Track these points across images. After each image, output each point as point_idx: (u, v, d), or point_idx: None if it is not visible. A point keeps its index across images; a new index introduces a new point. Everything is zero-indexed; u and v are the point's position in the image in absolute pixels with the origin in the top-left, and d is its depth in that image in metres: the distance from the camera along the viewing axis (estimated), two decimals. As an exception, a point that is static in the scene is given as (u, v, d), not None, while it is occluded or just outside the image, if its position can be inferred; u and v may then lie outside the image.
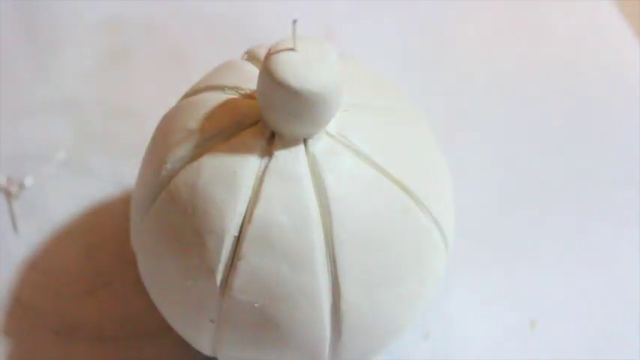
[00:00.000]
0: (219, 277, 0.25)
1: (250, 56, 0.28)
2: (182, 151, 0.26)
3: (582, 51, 0.41)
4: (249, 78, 0.27)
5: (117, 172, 0.36)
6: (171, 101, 0.29)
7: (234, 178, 0.25)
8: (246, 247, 0.25)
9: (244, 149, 0.25)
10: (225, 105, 0.26)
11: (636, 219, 0.36)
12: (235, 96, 0.27)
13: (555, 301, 0.33)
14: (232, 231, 0.25)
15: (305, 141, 0.25)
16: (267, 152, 0.25)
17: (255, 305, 0.25)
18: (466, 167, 0.37)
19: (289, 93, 0.24)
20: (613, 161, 0.38)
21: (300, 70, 0.24)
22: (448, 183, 0.28)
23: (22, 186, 0.35)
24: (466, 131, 0.38)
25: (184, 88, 0.29)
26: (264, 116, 0.25)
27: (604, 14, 0.43)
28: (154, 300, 0.28)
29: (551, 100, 0.40)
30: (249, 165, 0.25)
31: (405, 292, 0.27)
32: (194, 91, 0.28)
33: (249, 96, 0.26)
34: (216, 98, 0.27)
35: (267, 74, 0.24)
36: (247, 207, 0.25)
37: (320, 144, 0.25)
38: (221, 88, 0.27)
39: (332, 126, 0.26)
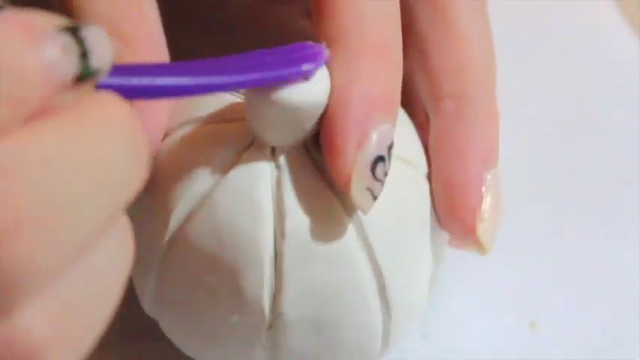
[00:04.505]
0: (267, 301, 0.25)
1: None
2: (187, 194, 0.25)
3: (582, 51, 0.41)
4: (220, 102, 0.27)
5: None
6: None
7: (251, 202, 0.25)
8: (287, 263, 0.25)
9: (251, 172, 0.25)
10: (214, 136, 0.26)
11: (636, 219, 0.36)
12: (218, 124, 0.26)
13: (555, 302, 0.33)
14: (268, 253, 0.25)
15: (305, 143, 0.25)
16: (274, 166, 0.25)
17: (308, 316, 0.25)
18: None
19: (289, 110, 0.24)
20: (613, 161, 0.37)
21: (292, 85, 0.24)
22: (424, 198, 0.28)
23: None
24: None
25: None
26: (260, 135, 0.25)
27: (604, 14, 0.43)
28: (191, 354, 0.28)
29: (550, 99, 0.40)
30: (261, 184, 0.25)
31: (428, 257, 0.27)
32: (171, 129, 0.27)
33: (233, 119, 0.26)
34: (200, 131, 0.26)
35: (262, 95, 0.24)
36: (274, 224, 0.25)
37: (320, 142, 0.25)
38: (198, 119, 0.27)
39: None
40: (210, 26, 0.36)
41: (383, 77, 0.24)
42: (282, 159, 0.25)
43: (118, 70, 0.20)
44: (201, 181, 0.25)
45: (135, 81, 0.20)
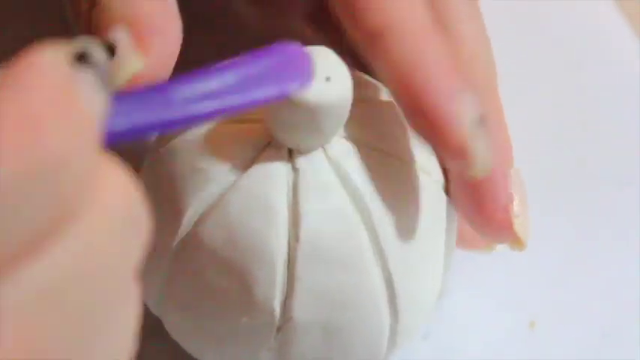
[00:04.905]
0: (277, 304, 0.25)
1: None
2: (201, 194, 0.25)
3: (582, 51, 0.41)
4: None
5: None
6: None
7: (266, 205, 0.24)
8: (300, 267, 0.24)
9: (267, 173, 0.25)
10: (230, 136, 0.26)
11: (636, 219, 0.36)
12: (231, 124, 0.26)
13: (555, 302, 0.33)
14: (282, 255, 0.24)
15: (323, 147, 0.25)
16: (291, 169, 0.25)
17: (318, 320, 0.25)
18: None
19: (306, 110, 0.23)
20: (613, 161, 0.37)
21: (314, 85, 0.23)
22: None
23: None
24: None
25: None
26: (278, 137, 0.25)
27: (604, 14, 0.43)
28: (195, 354, 0.28)
29: (550, 99, 0.40)
30: (277, 187, 0.25)
31: (434, 260, 0.27)
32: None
33: (250, 119, 0.26)
34: (215, 130, 0.26)
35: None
36: (289, 228, 0.25)
37: (337, 147, 0.25)
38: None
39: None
40: (211, 34, 0.36)
41: (443, 51, 0.25)
42: (298, 162, 0.25)
43: None
44: (215, 181, 0.25)
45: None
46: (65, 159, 0.15)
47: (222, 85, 0.20)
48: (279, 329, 0.25)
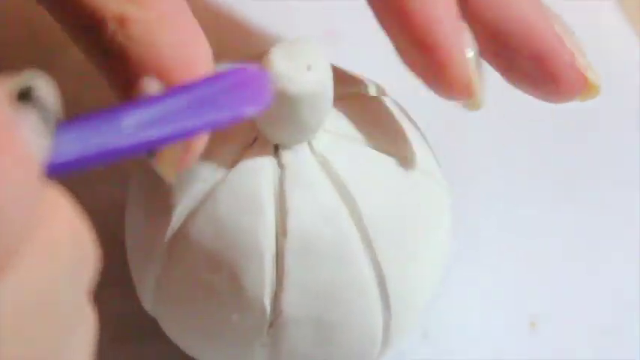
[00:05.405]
0: (267, 299, 0.25)
1: None
2: (190, 191, 0.25)
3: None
4: None
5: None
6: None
7: (253, 200, 0.25)
8: (288, 262, 0.25)
9: (253, 169, 0.25)
10: (216, 133, 0.25)
11: (636, 219, 0.36)
12: None
13: (555, 301, 0.33)
14: (270, 251, 0.25)
15: (309, 143, 0.25)
16: (277, 165, 0.25)
17: (309, 314, 0.25)
18: (466, 167, 0.36)
19: (293, 100, 0.24)
20: (613, 161, 0.37)
21: (296, 75, 0.24)
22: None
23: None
24: (466, 131, 0.38)
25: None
26: (265, 132, 0.25)
27: (604, 14, 0.43)
28: (191, 352, 0.28)
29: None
30: (263, 183, 0.25)
31: (429, 257, 0.27)
32: None
33: None
34: None
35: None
36: (276, 223, 0.25)
37: (323, 142, 0.25)
38: None
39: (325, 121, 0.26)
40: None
41: None
42: (284, 157, 0.25)
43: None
44: (203, 178, 0.25)
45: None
46: (0, 206, 0.14)
47: (173, 109, 0.19)
48: (270, 325, 0.25)
